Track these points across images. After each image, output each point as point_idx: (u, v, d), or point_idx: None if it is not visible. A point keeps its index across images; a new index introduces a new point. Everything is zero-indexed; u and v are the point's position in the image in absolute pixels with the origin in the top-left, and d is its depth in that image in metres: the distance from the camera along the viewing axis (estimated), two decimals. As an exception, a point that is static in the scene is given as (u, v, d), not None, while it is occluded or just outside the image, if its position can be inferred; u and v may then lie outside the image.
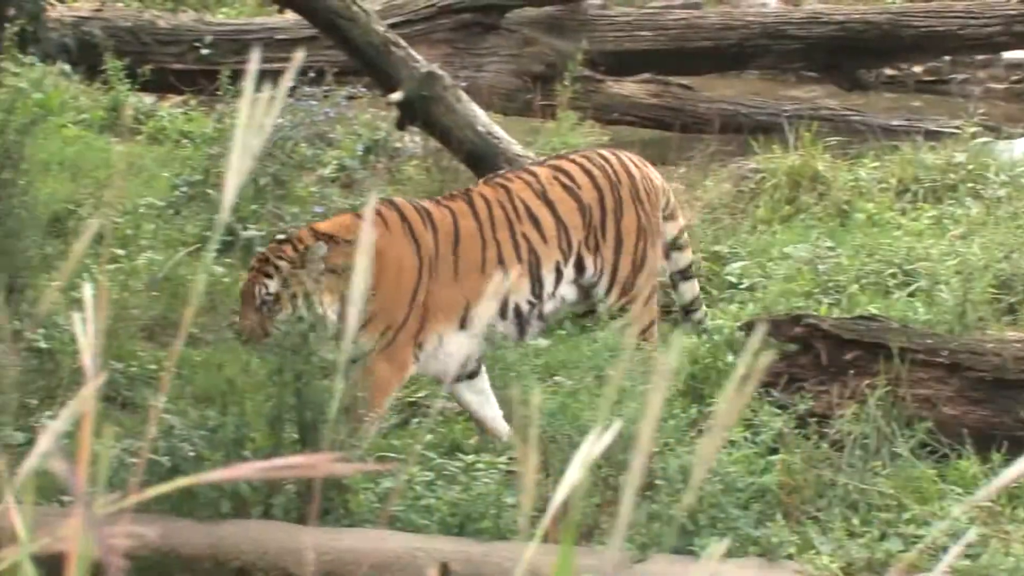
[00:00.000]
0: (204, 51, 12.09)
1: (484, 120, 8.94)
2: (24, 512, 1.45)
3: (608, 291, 6.82)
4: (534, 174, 6.89)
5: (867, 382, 6.13)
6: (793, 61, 12.84)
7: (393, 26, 9.98)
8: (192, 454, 5.57)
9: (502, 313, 6.62)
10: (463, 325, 6.52)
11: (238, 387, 5.87)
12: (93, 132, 11.31)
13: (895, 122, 11.57)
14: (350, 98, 10.37)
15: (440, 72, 9.02)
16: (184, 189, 9.37)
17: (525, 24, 12.21)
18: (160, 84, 11.79)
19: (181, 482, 1.37)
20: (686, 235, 7.14)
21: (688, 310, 7.06)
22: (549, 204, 6.78)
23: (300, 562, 5.13)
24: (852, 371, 6.23)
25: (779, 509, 5.66)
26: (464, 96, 8.99)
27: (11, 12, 6.55)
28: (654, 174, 7.10)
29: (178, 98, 12.05)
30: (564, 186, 6.83)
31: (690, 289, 7.04)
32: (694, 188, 9.22)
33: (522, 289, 6.64)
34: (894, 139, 10.16)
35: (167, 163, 10.48)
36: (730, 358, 6.46)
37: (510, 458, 6.19)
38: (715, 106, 11.79)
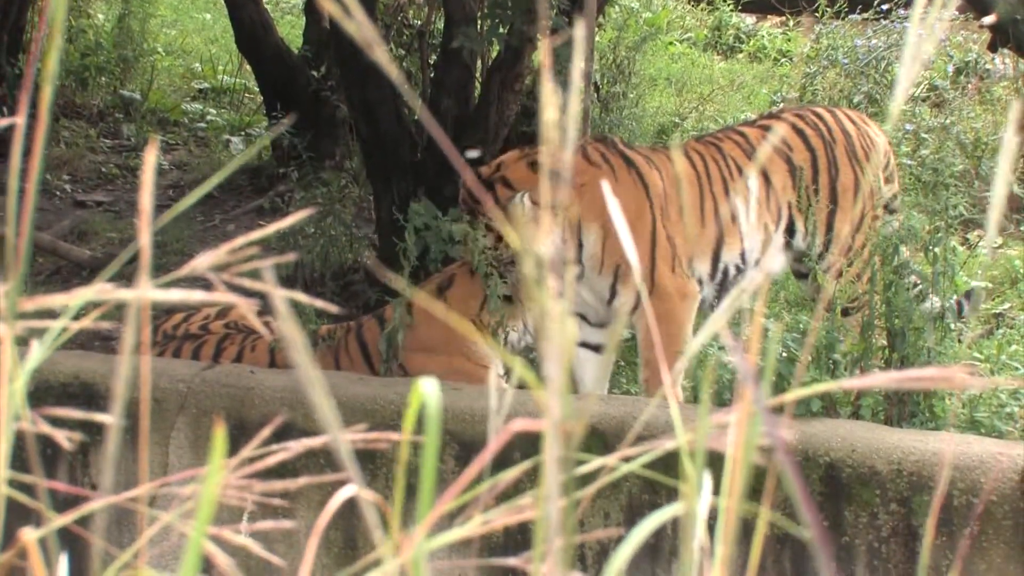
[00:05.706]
0: (807, -27, 12.33)
1: (1076, 43, 8.92)
2: (676, 406, 1.64)
3: (823, 253, 6.46)
4: (743, 134, 6.59)
5: None
6: None
7: (990, -53, 9.99)
8: (784, 355, 5.62)
9: (712, 272, 6.37)
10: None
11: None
12: (697, 50, 11.89)
13: None
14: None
15: (1032, -5, 9.03)
16: (780, 105, 9.78)
17: None
18: (761, 5, 12.15)
19: (823, 387, 1.60)
20: (899, 200, 6.58)
21: None
22: None
23: (888, 461, 5.16)
24: None
25: None
26: (1056, 19, 8.97)
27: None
28: (875, 131, 6.68)
29: (777, 19, 12.42)
30: (773, 147, 6.41)
31: None
32: None
33: (733, 248, 6.35)
34: None
35: (766, 80, 10.95)
36: None
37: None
38: None
